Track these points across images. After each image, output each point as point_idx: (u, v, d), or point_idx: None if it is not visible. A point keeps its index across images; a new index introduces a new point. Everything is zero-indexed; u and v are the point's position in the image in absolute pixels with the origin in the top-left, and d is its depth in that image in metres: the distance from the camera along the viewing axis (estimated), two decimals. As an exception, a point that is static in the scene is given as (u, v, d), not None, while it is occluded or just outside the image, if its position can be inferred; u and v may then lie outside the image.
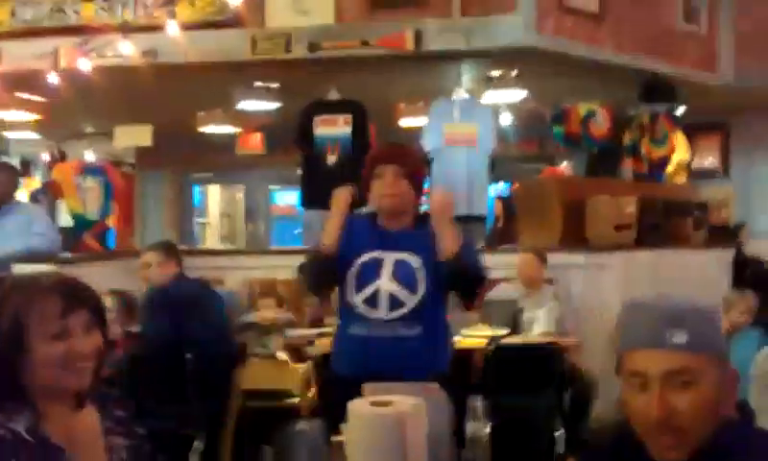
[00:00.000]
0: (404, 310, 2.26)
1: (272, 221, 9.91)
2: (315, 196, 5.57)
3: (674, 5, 6.10)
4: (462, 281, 2.36)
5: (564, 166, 6.23)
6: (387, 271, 2.29)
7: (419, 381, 1.71)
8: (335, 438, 1.60)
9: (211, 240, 10.11)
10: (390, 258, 2.31)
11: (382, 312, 2.26)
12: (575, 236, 5.13)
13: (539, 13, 5.10)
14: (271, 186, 9.84)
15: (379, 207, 2.38)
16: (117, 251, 5.60)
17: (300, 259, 4.91)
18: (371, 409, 1.25)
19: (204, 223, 10.18)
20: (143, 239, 8.43)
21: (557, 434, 3.63)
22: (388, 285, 2.27)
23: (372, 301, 2.27)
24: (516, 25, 5.02)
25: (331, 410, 1.67)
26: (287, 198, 10.30)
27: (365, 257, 2.31)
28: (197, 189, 9.96)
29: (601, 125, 5.86)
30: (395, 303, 2.26)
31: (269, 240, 9.65)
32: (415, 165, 2.40)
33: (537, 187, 5.82)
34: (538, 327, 4.10)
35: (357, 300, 2.28)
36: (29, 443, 1.43)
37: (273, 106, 6.43)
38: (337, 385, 2.19)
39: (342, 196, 2.42)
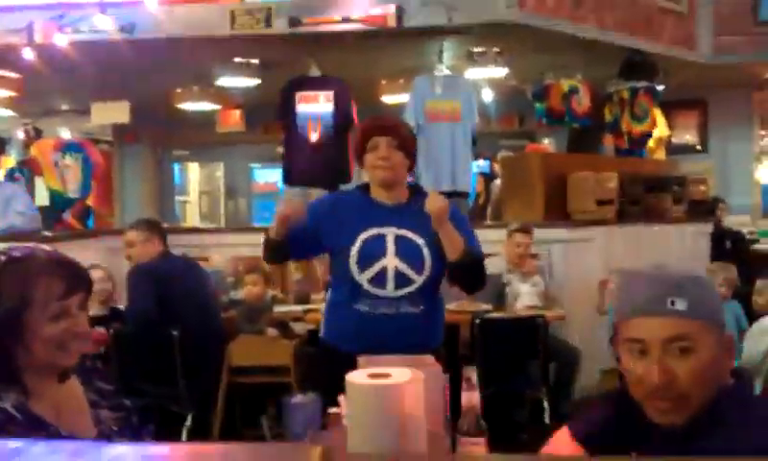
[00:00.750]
0: (411, 288, 2.27)
1: (252, 198, 9.84)
2: (297, 173, 5.55)
3: (654, -18, 6.13)
4: (471, 275, 2.40)
5: (546, 142, 6.26)
6: (391, 248, 2.28)
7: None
8: (332, 410, 1.61)
9: (191, 218, 10.03)
10: (391, 234, 2.30)
11: (389, 290, 2.27)
12: (558, 212, 5.18)
13: (518, -12, 5.09)
14: (251, 164, 9.76)
15: (373, 179, 2.37)
16: (98, 229, 5.53)
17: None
18: (369, 381, 1.25)
19: (184, 201, 10.09)
20: (122, 218, 8.34)
21: (543, 405, 3.70)
22: (394, 262, 2.27)
23: (378, 279, 2.27)
24: (497, 1, 5.01)
25: (327, 383, 1.68)
26: (267, 175, 10.24)
27: (366, 234, 2.30)
28: (176, 167, 9.85)
29: (583, 101, 5.89)
30: (401, 280, 2.27)
31: (250, 218, 9.60)
32: (407, 136, 2.40)
33: (520, 163, 5.84)
34: (522, 300, 4.15)
35: (362, 278, 2.27)
36: (17, 419, 1.43)
37: (253, 82, 6.37)
38: (335, 359, 2.18)
39: (293, 204, 2.39)
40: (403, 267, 2.27)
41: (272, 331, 3.90)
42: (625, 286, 1.27)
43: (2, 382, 1.46)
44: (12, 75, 6.19)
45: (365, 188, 2.43)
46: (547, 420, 3.71)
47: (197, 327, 3.56)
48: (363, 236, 2.30)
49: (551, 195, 5.17)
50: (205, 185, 10.45)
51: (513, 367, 3.84)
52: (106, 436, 1.65)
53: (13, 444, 1.02)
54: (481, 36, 5.48)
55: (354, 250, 2.28)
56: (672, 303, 1.18)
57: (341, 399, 1.52)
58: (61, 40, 5.16)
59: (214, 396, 3.67)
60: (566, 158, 5.93)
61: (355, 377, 1.29)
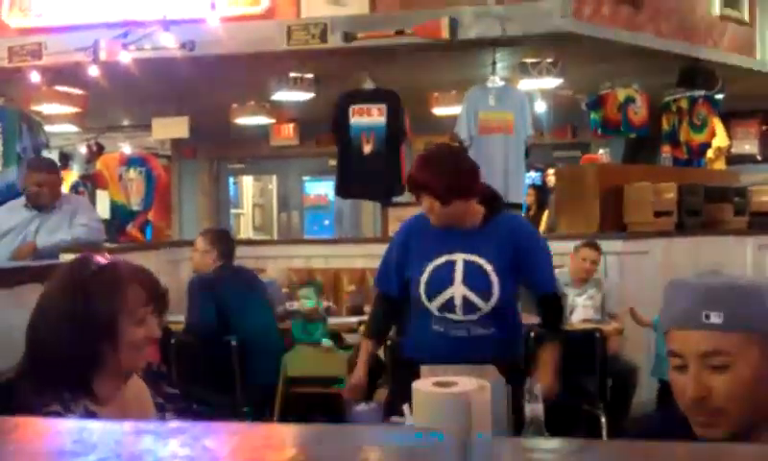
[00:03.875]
0: (478, 314, 2.29)
1: (304, 211, 9.97)
2: (351, 185, 5.61)
3: (712, -10, 6.02)
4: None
5: (602, 153, 6.17)
6: (458, 276, 2.28)
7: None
8: (395, 418, 1.63)
9: (245, 230, 10.22)
10: (460, 260, 2.30)
11: (458, 316, 2.30)
12: (614, 223, 5.09)
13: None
14: (303, 177, 9.89)
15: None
16: (159, 241, 5.68)
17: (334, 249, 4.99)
18: (437, 389, 1.27)
19: (238, 213, 10.29)
20: (180, 230, 8.56)
21: (601, 421, 3.63)
22: (461, 291, 2.28)
23: (447, 306, 2.29)
24: (552, 11, 4.98)
25: (400, 393, 1.70)
26: (318, 188, 10.36)
27: (435, 263, 2.30)
28: (231, 180, 10.06)
29: (639, 111, 5.79)
30: (469, 308, 2.28)
31: (302, 230, 9.72)
32: (447, 187, 2.24)
33: (575, 174, 5.77)
34: (578, 314, 4.08)
35: (432, 306, 2.30)
36: None
37: (307, 96, 6.45)
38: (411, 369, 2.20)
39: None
40: (470, 295, 2.28)
41: (326, 342, 3.94)
42: (666, 297, 1.25)
43: (72, 390, 1.52)
44: (77, 92, 6.43)
45: None
46: (605, 436, 3.64)
47: (254, 337, 3.62)
48: (432, 265, 2.31)
49: (607, 206, 5.09)
50: (259, 198, 10.63)
51: (568, 382, 3.77)
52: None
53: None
54: (535, 46, 5.45)
55: (423, 279, 2.31)
56: (707, 316, 1.14)
57: (405, 408, 1.53)
58: (125, 58, 5.34)
59: (271, 405, 3.72)
60: (623, 169, 5.83)
61: (422, 386, 1.30)
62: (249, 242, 6.34)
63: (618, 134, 6.10)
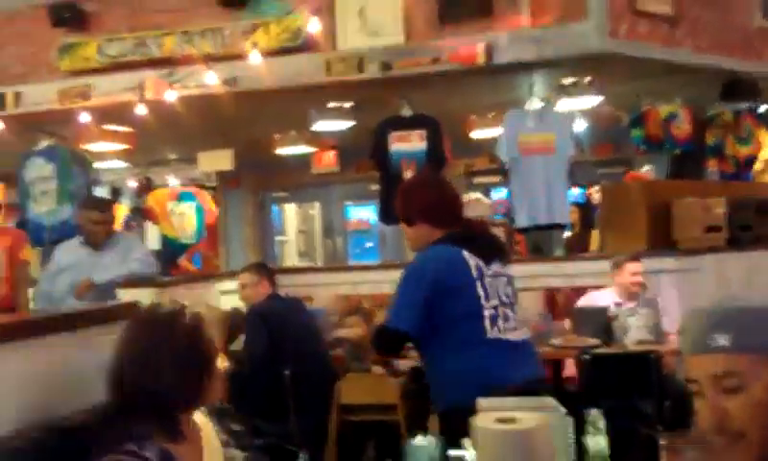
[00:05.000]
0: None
1: (347, 236, 10.06)
2: (393, 211, 5.64)
3: (751, 2, 5.92)
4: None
5: (646, 170, 6.10)
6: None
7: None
8: (453, 452, 1.64)
9: (290, 257, 10.35)
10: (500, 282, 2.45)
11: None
12: (662, 240, 5.02)
13: (611, 19, 5.04)
14: (345, 202, 10.00)
15: None
16: (210, 273, 5.81)
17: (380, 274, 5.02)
18: (498, 426, 1.28)
19: (282, 240, 10.43)
20: (227, 260, 8.71)
21: (660, 443, 3.55)
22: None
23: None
24: (587, 32, 4.97)
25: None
26: (360, 213, 10.45)
27: (493, 300, 2.39)
28: (274, 208, 10.22)
29: (683, 126, 5.72)
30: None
31: (345, 255, 9.80)
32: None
33: (620, 192, 5.70)
34: (632, 335, 4.02)
35: (493, 333, 2.37)
36: None
37: (346, 124, 6.55)
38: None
39: None
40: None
41: (377, 369, 3.97)
42: (682, 325, 1.26)
43: (145, 427, 1.57)
44: (125, 129, 6.65)
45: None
46: (664, 460, 3.56)
47: (307, 366, 3.67)
48: (490, 305, 2.40)
49: (654, 224, 5.03)
50: (302, 225, 10.76)
51: (624, 405, 3.72)
52: (239, 476, 1.75)
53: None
54: (572, 67, 5.44)
55: (485, 316, 2.37)
56: (715, 338, 1.15)
57: (465, 442, 1.55)
58: (171, 96, 5.51)
59: (326, 433, 3.75)
60: (670, 185, 5.74)
61: (482, 421, 1.32)
62: (295, 270, 6.42)
63: (662, 151, 6.03)
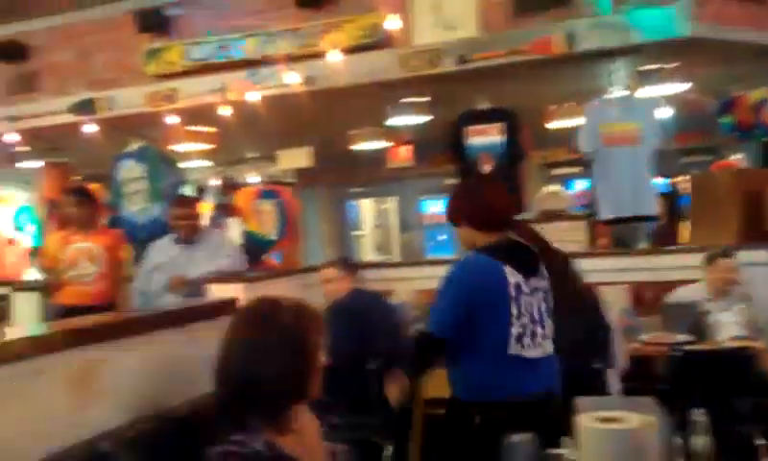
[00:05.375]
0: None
1: (423, 229, 10.09)
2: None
3: None
4: None
5: (736, 158, 5.84)
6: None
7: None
8: (553, 451, 1.64)
9: (366, 251, 10.46)
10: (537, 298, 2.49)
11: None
12: (754, 232, 4.81)
13: (696, 2, 4.86)
14: (420, 196, 10.02)
15: None
16: (292, 268, 5.95)
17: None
18: (605, 426, 1.28)
19: (359, 235, 10.55)
20: (306, 255, 8.89)
21: (757, 443, 3.43)
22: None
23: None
24: (672, 16, 4.81)
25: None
26: (435, 206, 10.46)
27: (524, 318, 2.43)
28: (351, 203, 10.35)
29: (775, 111, 5.46)
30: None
31: (421, 249, 9.83)
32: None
33: (710, 181, 5.49)
34: (726, 331, 3.87)
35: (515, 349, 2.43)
36: (268, 458, 1.59)
37: (422, 119, 6.56)
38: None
39: None
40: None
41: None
42: None
43: (254, 417, 1.63)
44: (209, 130, 6.89)
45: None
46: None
47: (391, 360, 3.70)
48: (521, 322, 2.44)
49: (746, 214, 4.82)
50: (378, 220, 10.86)
51: (716, 403, 3.60)
52: (341, 468, 1.80)
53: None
54: (657, 52, 5.28)
55: (512, 332, 2.42)
56: None
57: (566, 440, 1.54)
58: (253, 96, 5.66)
59: (410, 427, 3.78)
60: (762, 174, 5.49)
61: (586, 421, 1.31)
62: (373, 265, 6.49)
63: (753, 138, 5.77)
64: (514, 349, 2.38)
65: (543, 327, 2.48)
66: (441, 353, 2.50)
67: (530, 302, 2.43)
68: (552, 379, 2.50)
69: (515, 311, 2.39)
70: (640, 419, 1.28)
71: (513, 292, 2.39)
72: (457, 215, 2.57)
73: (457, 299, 2.40)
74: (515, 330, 2.39)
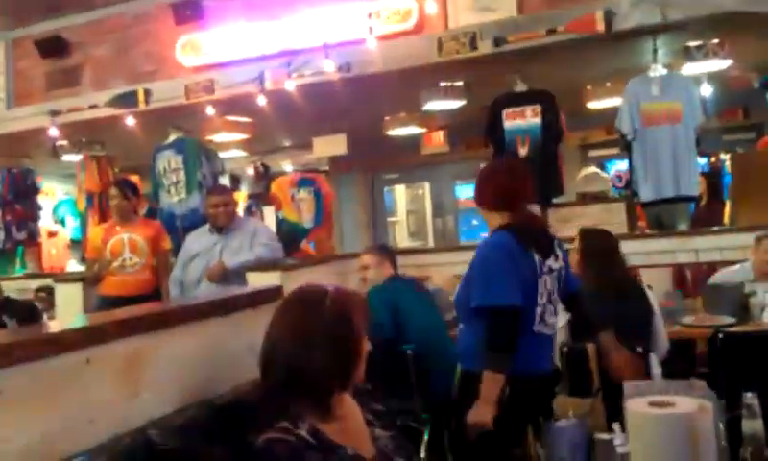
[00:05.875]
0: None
1: (458, 214, 10.04)
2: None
3: None
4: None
5: (782, 135, 5.68)
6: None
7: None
8: (600, 435, 1.62)
9: (401, 237, 10.45)
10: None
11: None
12: (801, 211, 4.69)
13: (738, -26, 4.71)
14: (454, 181, 9.97)
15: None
16: (329, 255, 5.98)
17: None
18: (656, 411, 1.25)
19: (393, 221, 10.55)
20: (341, 242, 8.92)
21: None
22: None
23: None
24: (716, -11, 4.68)
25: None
26: (469, 191, 10.38)
27: (544, 298, 2.54)
28: (385, 189, 10.35)
29: (823, 86, 5.28)
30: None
31: (455, 234, 9.79)
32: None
33: (755, 159, 5.35)
34: (772, 313, 3.79)
35: (538, 327, 2.55)
36: (313, 444, 1.60)
37: (458, 104, 6.51)
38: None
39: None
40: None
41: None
42: None
43: (297, 405, 1.65)
44: (246, 120, 6.93)
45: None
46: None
47: (428, 345, 3.70)
48: (541, 302, 2.57)
49: (793, 193, 4.69)
50: (411, 205, 10.83)
51: (760, 385, 3.51)
52: (384, 454, 1.80)
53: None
54: (698, 29, 5.14)
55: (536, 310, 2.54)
56: None
57: (615, 426, 1.52)
58: (290, 85, 5.67)
59: (448, 411, 3.78)
60: (810, 151, 5.33)
61: (637, 406, 1.29)
62: (409, 251, 6.49)
63: (800, 113, 5.59)
64: (537, 326, 2.52)
65: (555, 308, 2.61)
66: (517, 325, 2.46)
67: (547, 282, 2.55)
68: (552, 359, 2.69)
69: (540, 289, 2.51)
70: (693, 402, 1.25)
71: (539, 270, 2.52)
72: (480, 199, 2.67)
73: (510, 271, 2.44)
74: (538, 309, 2.52)
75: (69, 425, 1.46)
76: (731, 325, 3.65)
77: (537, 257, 2.51)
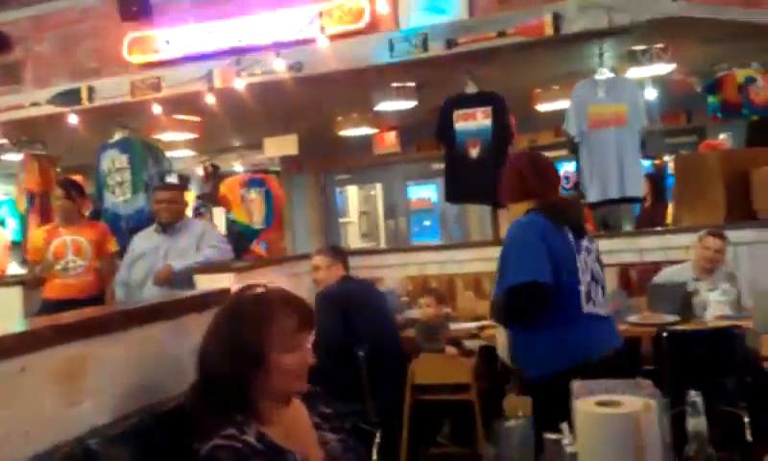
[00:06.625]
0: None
1: (409, 216, 10.07)
2: (459, 190, 5.61)
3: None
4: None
5: (722, 138, 5.86)
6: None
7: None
8: (549, 435, 1.63)
9: (353, 238, 10.43)
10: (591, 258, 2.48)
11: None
12: (741, 212, 4.84)
13: (684, -20, 4.85)
14: (406, 182, 10.00)
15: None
16: (280, 257, 5.91)
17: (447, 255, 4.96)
18: (602, 410, 1.27)
19: (345, 222, 10.52)
20: (293, 243, 8.84)
21: (745, 421, 3.46)
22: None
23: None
24: (658, -5, 4.80)
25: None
26: (421, 192, 10.43)
27: (587, 275, 2.44)
28: (336, 190, 10.31)
29: (762, 91, 5.47)
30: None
31: (407, 235, 9.81)
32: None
33: (696, 162, 5.50)
34: (712, 310, 3.90)
35: (588, 308, 2.43)
36: (260, 450, 1.58)
37: (409, 104, 6.53)
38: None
39: None
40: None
41: (450, 349, 3.97)
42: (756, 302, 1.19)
43: (241, 413, 1.62)
44: (194, 118, 6.81)
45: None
46: (749, 437, 3.46)
47: (380, 347, 3.70)
48: (586, 279, 2.47)
49: (733, 194, 4.84)
50: (364, 206, 10.82)
51: (703, 382, 3.62)
52: (333, 457, 1.78)
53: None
54: (643, 33, 5.26)
55: (581, 290, 2.43)
56: None
57: (563, 426, 1.53)
58: (239, 84, 5.59)
59: (399, 413, 3.78)
60: (749, 154, 5.48)
61: (583, 405, 1.30)
62: (360, 252, 6.46)
63: (740, 117, 5.78)
64: (587, 307, 2.39)
65: (603, 290, 2.50)
66: (543, 304, 2.34)
67: (586, 260, 2.44)
68: (618, 335, 2.57)
69: (580, 266, 2.40)
70: (640, 402, 1.27)
71: (575, 246, 2.42)
72: (509, 195, 2.61)
73: (540, 251, 2.34)
74: (583, 288, 2.39)
75: (4, 437, 1.39)
76: (674, 323, 3.74)
77: (570, 235, 2.42)
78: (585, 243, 2.48)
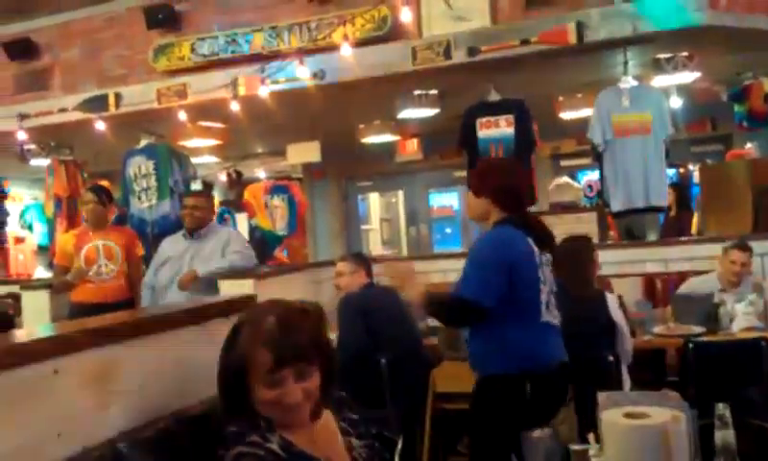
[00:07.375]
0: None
1: (431, 223, 10.06)
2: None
3: None
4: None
5: (750, 147, 5.78)
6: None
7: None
8: (575, 447, 1.62)
9: (374, 245, 10.43)
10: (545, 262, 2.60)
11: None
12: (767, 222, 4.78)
13: (708, -11, 4.82)
14: (428, 190, 9.99)
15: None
16: (304, 263, 5.94)
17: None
18: (631, 422, 1.26)
19: (367, 229, 10.54)
20: (315, 250, 8.87)
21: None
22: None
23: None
24: (685, 4, 4.77)
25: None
26: (443, 199, 10.42)
27: (547, 286, 2.56)
28: (358, 197, 10.34)
29: (789, 100, 5.41)
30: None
31: (429, 242, 9.81)
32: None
33: (723, 171, 5.45)
34: (739, 322, 3.85)
35: (546, 316, 2.55)
36: (284, 458, 1.57)
37: (432, 112, 6.54)
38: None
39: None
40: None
41: (472, 358, 3.94)
42: None
43: (264, 420, 1.62)
44: (218, 125, 6.88)
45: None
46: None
47: (403, 354, 3.69)
48: (546, 290, 2.61)
49: (761, 204, 4.79)
50: (385, 213, 10.83)
51: (730, 394, 3.57)
52: (360, 464, 1.77)
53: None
54: (668, 41, 5.23)
55: (541, 298, 2.55)
56: None
57: (590, 436, 1.53)
58: (263, 92, 5.64)
59: (421, 421, 3.78)
60: (777, 163, 5.45)
61: (611, 417, 1.30)
62: (383, 259, 6.46)
63: (765, 126, 5.71)
64: (544, 316, 2.53)
65: (557, 302, 2.65)
66: (479, 321, 2.51)
67: (546, 272, 2.58)
68: (563, 348, 2.67)
69: (541, 276, 2.53)
70: (668, 414, 1.26)
71: (537, 259, 2.54)
72: (483, 188, 2.64)
73: (500, 267, 2.46)
74: (543, 297, 2.53)
75: (36, 440, 1.42)
76: (700, 334, 3.70)
77: (534, 247, 2.54)
78: (545, 257, 2.60)
